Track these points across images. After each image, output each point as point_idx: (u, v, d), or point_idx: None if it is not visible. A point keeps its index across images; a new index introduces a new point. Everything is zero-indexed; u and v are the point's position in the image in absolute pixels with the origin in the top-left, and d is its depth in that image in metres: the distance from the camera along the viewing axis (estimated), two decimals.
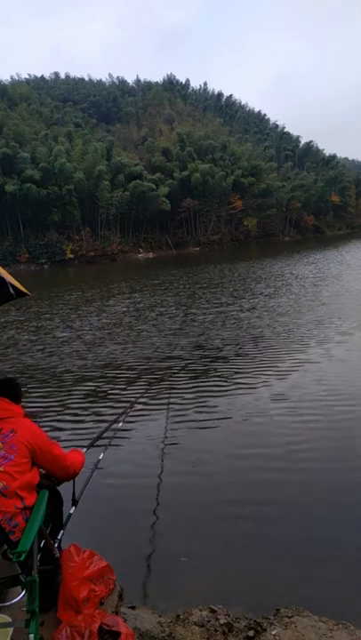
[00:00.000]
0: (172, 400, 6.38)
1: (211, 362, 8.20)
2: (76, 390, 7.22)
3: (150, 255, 57.91)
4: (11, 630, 1.81)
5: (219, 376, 7.34)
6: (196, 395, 6.55)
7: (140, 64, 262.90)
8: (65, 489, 2.39)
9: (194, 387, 6.94)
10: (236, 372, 7.46)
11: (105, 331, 11.81)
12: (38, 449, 1.98)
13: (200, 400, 6.34)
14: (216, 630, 2.37)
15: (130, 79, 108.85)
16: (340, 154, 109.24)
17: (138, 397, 5.98)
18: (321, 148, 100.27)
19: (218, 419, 5.68)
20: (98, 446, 3.40)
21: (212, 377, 7.37)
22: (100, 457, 2.94)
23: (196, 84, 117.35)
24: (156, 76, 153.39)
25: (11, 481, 1.82)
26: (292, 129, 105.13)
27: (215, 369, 7.77)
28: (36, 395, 7.04)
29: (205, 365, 8.02)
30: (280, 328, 10.35)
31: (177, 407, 6.12)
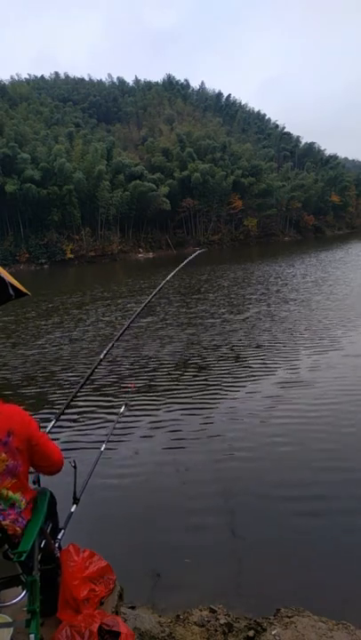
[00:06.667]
0: (171, 402, 6.38)
1: (209, 367, 8.19)
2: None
3: (150, 255, 57.88)
4: (11, 630, 1.81)
5: (219, 382, 7.31)
6: (198, 397, 6.55)
7: (133, 66, 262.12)
8: (66, 487, 2.39)
9: (195, 388, 6.94)
10: (232, 378, 7.47)
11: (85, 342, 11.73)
12: (33, 445, 1.77)
13: (202, 402, 6.34)
14: (216, 630, 2.37)
15: (127, 80, 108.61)
16: (341, 154, 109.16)
17: (129, 400, 5.95)
18: (322, 148, 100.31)
19: (219, 421, 5.68)
20: (97, 447, 3.40)
21: (212, 381, 7.35)
22: (100, 456, 2.94)
23: (193, 84, 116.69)
24: (150, 77, 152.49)
25: (26, 492, 1.79)
26: (290, 130, 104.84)
27: (215, 374, 7.77)
28: None
29: (205, 370, 8.02)
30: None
31: (177, 409, 6.12)
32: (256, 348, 8.86)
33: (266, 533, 3.42)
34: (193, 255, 3.62)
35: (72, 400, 2.71)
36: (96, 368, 2.81)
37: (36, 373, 8.17)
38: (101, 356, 2.76)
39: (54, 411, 6.22)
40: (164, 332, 11.06)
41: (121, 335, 2.81)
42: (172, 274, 3.15)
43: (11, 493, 1.70)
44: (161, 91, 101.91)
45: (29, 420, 1.78)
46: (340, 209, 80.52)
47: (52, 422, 2.47)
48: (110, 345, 2.81)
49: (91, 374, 2.76)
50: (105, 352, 2.80)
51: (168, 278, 3.12)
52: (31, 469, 1.90)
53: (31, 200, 50.26)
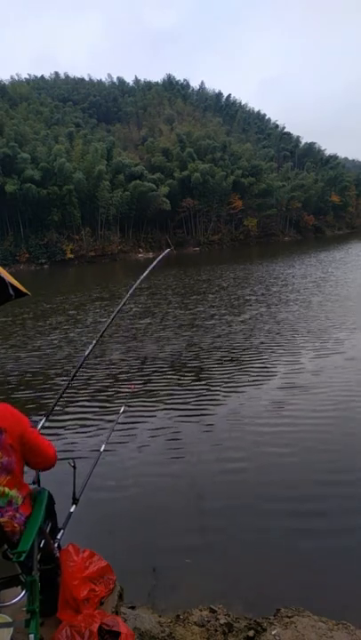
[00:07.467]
0: (170, 405, 6.36)
1: (209, 370, 8.19)
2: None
3: (150, 255, 57.88)
4: (11, 630, 1.81)
5: (219, 385, 7.25)
6: (198, 400, 6.53)
7: (133, 66, 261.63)
8: (65, 488, 2.39)
9: (195, 391, 6.94)
10: (230, 381, 7.46)
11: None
12: (25, 442, 1.78)
13: (202, 406, 6.31)
14: (216, 630, 2.37)
15: (127, 80, 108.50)
16: (341, 154, 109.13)
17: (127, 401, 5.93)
18: (322, 148, 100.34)
19: (219, 424, 5.67)
20: (96, 448, 3.40)
21: (212, 385, 7.33)
22: (100, 457, 2.94)
23: (193, 84, 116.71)
24: (150, 77, 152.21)
25: (22, 488, 1.81)
26: (290, 130, 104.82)
27: (215, 377, 7.76)
28: None
29: (205, 372, 8.01)
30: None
31: (176, 412, 6.10)
32: (256, 350, 8.83)
33: (266, 534, 3.42)
34: (162, 255, 3.56)
35: (60, 398, 2.73)
36: (81, 367, 2.87)
37: (32, 376, 8.12)
38: (86, 353, 2.85)
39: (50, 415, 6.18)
40: (164, 333, 11.03)
41: (103, 332, 2.90)
42: (144, 274, 3.19)
43: (7, 490, 1.71)
44: (161, 91, 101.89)
45: (20, 417, 1.80)
46: (341, 209, 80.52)
47: (42, 421, 2.47)
48: (94, 342, 2.88)
49: (76, 373, 2.82)
50: (89, 350, 2.87)
51: (142, 278, 3.18)
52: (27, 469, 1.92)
53: (31, 200, 50.26)
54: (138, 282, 3.16)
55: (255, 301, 14.82)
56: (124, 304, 2.98)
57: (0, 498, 1.69)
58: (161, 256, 3.50)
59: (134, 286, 3.12)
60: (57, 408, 6.31)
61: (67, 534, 2.25)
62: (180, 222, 63.32)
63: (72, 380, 2.78)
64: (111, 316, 2.95)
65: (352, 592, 2.84)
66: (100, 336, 2.90)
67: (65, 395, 6.87)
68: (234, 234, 65.96)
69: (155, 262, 3.29)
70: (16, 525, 1.71)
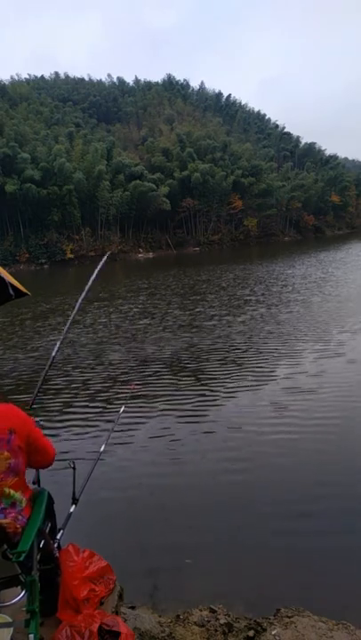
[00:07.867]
0: (169, 407, 6.34)
1: (209, 372, 8.18)
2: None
3: (150, 255, 57.87)
4: (11, 630, 1.81)
5: (219, 388, 7.22)
6: (197, 402, 6.52)
7: (133, 66, 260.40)
8: (65, 488, 2.39)
9: (194, 394, 6.93)
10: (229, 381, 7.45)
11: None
12: (31, 442, 1.81)
13: (202, 408, 6.30)
14: (216, 630, 2.37)
15: (127, 80, 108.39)
16: (341, 154, 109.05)
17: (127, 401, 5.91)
18: (322, 148, 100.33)
19: (219, 426, 5.66)
20: (96, 448, 3.40)
21: (212, 387, 7.31)
22: (99, 457, 2.94)
23: (192, 84, 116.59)
24: (150, 77, 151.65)
25: (25, 490, 1.82)
26: (290, 130, 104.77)
27: (215, 379, 7.75)
28: None
29: (204, 374, 8.01)
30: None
31: (176, 414, 6.09)
32: (257, 352, 8.81)
33: (266, 535, 3.42)
34: (102, 261, 3.07)
35: (33, 403, 2.65)
36: (50, 367, 2.83)
37: (29, 378, 8.08)
38: (53, 353, 2.80)
39: (49, 417, 6.17)
40: (163, 334, 11.03)
41: (67, 331, 2.81)
42: (90, 283, 2.85)
43: (12, 491, 1.72)
44: (161, 91, 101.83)
45: (26, 418, 1.83)
46: (341, 209, 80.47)
47: None
48: (58, 343, 2.82)
49: (45, 374, 2.77)
50: (55, 349, 2.82)
51: (88, 286, 2.85)
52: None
53: (31, 200, 50.25)
54: (84, 292, 2.85)
55: (255, 302, 14.80)
56: (74, 317, 2.86)
57: (5, 499, 1.70)
58: (102, 262, 3.07)
59: (82, 297, 2.85)
60: (56, 409, 6.37)
61: (67, 534, 2.26)
62: (180, 222, 63.30)
63: (42, 383, 2.73)
64: (65, 329, 2.84)
65: (352, 592, 2.84)
66: (62, 340, 2.85)
67: (64, 396, 6.94)
68: (234, 234, 65.93)
69: (98, 267, 2.93)
70: (18, 527, 1.72)
